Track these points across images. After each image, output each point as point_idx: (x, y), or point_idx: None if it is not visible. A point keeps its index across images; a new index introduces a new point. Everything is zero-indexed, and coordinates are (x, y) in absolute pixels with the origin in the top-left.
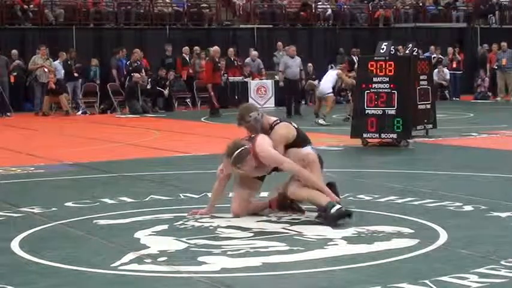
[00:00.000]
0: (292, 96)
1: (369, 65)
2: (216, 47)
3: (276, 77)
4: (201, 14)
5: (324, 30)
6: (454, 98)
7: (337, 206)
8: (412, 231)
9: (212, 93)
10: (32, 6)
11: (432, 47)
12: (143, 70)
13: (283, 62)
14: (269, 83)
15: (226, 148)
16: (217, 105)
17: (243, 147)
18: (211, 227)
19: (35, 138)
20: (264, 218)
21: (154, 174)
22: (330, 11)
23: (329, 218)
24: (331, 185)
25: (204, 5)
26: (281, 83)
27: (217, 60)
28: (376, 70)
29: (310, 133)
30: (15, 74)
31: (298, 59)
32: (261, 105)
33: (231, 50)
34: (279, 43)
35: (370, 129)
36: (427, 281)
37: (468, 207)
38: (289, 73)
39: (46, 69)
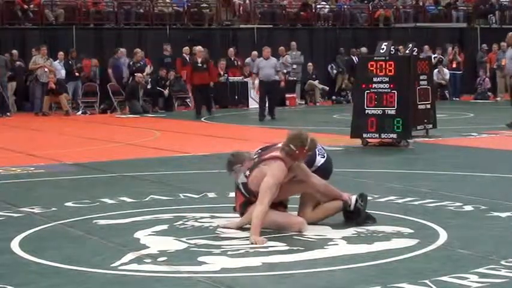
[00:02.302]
0: (265, 98)
1: (369, 65)
2: (199, 47)
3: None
4: (201, 14)
5: (324, 30)
6: (454, 98)
7: (354, 199)
8: (412, 231)
9: (191, 94)
10: (32, 6)
11: (426, 47)
12: (146, 70)
13: (255, 64)
14: None
15: (290, 136)
16: (192, 106)
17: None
18: (211, 227)
19: (35, 138)
20: None
21: (154, 174)
22: (326, 10)
23: (361, 218)
24: None
25: (204, 5)
26: (255, 85)
27: (198, 60)
28: (376, 70)
29: (310, 133)
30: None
31: (272, 61)
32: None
33: (231, 50)
34: (293, 43)
35: (370, 129)
36: (427, 281)
37: (468, 207)
38: (261, 75)
39: (46, 69)
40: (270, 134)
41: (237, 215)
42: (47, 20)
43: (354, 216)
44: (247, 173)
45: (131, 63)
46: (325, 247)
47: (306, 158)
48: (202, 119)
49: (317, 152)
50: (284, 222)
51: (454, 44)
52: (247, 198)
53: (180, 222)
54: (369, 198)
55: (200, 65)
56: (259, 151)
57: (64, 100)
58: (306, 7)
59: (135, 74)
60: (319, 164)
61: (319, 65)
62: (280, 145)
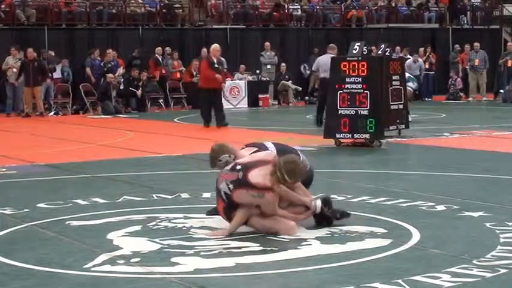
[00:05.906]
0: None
1: (342, 66)
2: (216, 45)
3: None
4: (174, 14)
5: (296, 30)
6: (426, 99)
7: (319, 206)
8: (385, 231)
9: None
10: (3, 6)
11: (398, 48)
12: (119, 70)
13: (318, 63)
14: (242, 84)
15: (288, 168)
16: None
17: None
18: (184, 228)
19: (7, 139)
20: None
21: (127, 175)
22: (299, 11)
23: (330, 218)
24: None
25: (177, 5)
26: (316, 85)
27: (214, 60)
28: (348, 70)
29: (284, 133)
30: None
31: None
32: (234, 106)
33: (204, 50)
34: (267, 43)
35: (343, 129)
36: (399, 281)
37: (440, 207)
38: (325, 73)
39: (15, 69)
40: (245, 135)
41: (208, 217)
42: (18, 20)
43: (325, 223)
44: (231, 186)
45: (102, 64)
46: (298, 247)
47: None
48: (175, 120)
49: None
50: (275, 226)
51: (427, 45)
52: (228, 204)
53: (153, 223)
54: (341, 198)
55: (217, 66)
56: (244, 147)
57: (39, 94)
58: (279, 7)
59: (106, 75)
60: None
61: (292, 66)
62: (269, 152)
